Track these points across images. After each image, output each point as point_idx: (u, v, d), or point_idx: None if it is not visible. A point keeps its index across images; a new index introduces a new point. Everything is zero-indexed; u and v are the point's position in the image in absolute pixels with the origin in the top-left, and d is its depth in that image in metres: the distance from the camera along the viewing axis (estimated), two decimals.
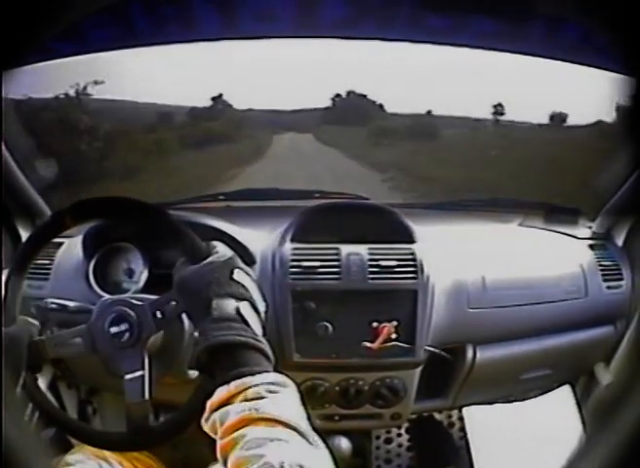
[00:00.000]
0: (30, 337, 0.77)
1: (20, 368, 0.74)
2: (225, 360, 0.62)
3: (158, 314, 0.74)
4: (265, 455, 0.49)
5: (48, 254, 1.12)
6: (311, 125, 3.60)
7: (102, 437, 0.79)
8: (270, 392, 0.57)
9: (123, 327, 0.74)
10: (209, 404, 0.59)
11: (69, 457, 0.87)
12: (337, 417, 1.09)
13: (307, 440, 0.54)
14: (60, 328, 0.83)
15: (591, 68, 0.98)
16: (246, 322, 0.65)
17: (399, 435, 1.52)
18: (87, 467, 0.85)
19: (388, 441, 1.52)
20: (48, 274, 1.10)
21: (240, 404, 0.56)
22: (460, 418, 1.54)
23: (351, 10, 0.92)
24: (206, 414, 0.59)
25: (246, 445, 0.52)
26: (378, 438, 1.51)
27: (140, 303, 0.75)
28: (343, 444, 1.17)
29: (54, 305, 0.90)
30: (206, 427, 0.59)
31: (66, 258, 1.12)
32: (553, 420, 1.20)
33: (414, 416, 1.46)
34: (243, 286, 0.68)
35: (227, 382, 0.58)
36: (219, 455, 0.55)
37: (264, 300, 0.72)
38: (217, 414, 0.57)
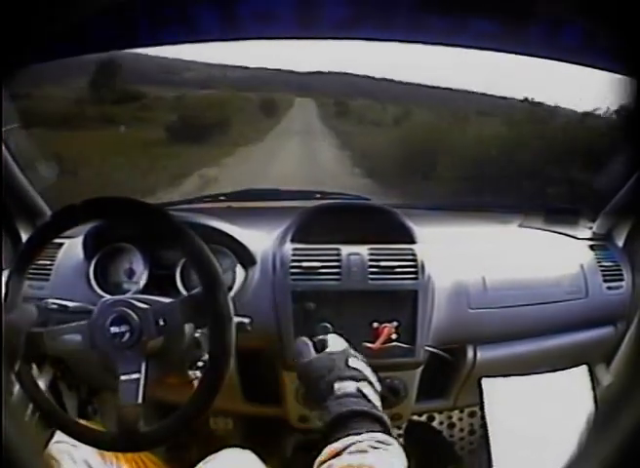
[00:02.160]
0: (30, 327, 0.77)
1: (15, 356, 0.74)
2: (343, 425, 0.65)
3: (161, 321, 0.74)
4: None
5: (48, 255, 1.12)
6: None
7: (91, 435, 0.78)
8: (373, 448, 0.60)
9: (124, 328, 0.74)
10: (317, 461, 0.63)
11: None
12: None
13: None
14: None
15: (592, 69, 0.98)
16: (367, 397, 0.70)
17: (399, 435, 1.52)
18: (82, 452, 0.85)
19: None
20: (48, 274, 1.10)
21: (343, 456, 0.60)
22: (461, 419, 1.54)
23: (351, 10, 0.92)
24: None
25: None
26: None
27: (143, 306, 0.75)
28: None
29: (54, 306, 0.90)
30: None
31: (67, 259, 1.12)
32: (554, 419, 1.20)
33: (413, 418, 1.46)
34: (358, 370, 0.75)
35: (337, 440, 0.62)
36: None
37: (378, 380, 0.77)
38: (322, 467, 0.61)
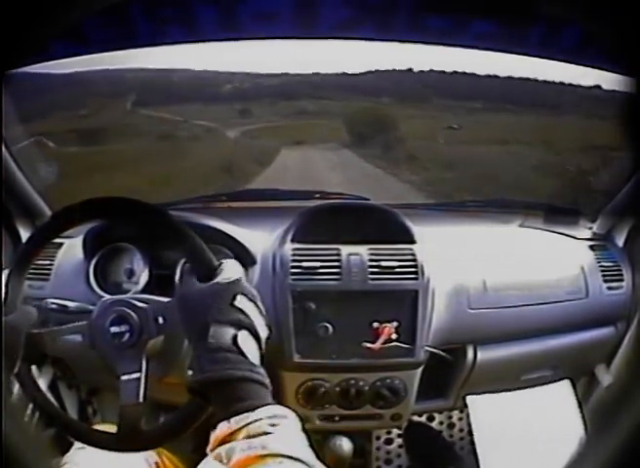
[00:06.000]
0: (30, 328, 0.77)
1: (15, 357, 0.74)
2: (222, 394, 0.60)
3: (160, 319, 0.74)
4: None
5: (48, 255, 1.12)
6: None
7: (92, 435, 0.78)
8: (273, 425, 0.56)
9: (123, 327, 0.74)
10: (213, 436, 0.58)
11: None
12: (337, 418, 1.09)
13: None
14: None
15: (591, 69, 0.98)
16: (242, 353, 0.62)
17: (399, 435, 1.52)
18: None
19: (389, 441, 1.52)
20: (48, 274, 1.10)
21: (245, 441, 0.55)
22: (461, 419, 1.54)
23: (351, 10, 0.92)
24: (211, 446, 0.59)
25: None
26: (378, 438, 1.51)
27: (142, 305, 0.75)
28: (345, 444, 1.16)
29: (54, 306, 0.90)
30: (212, 457, 0.58)
31: (67, 259, 1.12)
32: (557, 418, 1.20)
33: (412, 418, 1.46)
34: (244, 312, 0.65)
35: (228, 418, 0.57)
36: None
37: (267, 324, 0.70)
38: (222, 449, 0.56)
